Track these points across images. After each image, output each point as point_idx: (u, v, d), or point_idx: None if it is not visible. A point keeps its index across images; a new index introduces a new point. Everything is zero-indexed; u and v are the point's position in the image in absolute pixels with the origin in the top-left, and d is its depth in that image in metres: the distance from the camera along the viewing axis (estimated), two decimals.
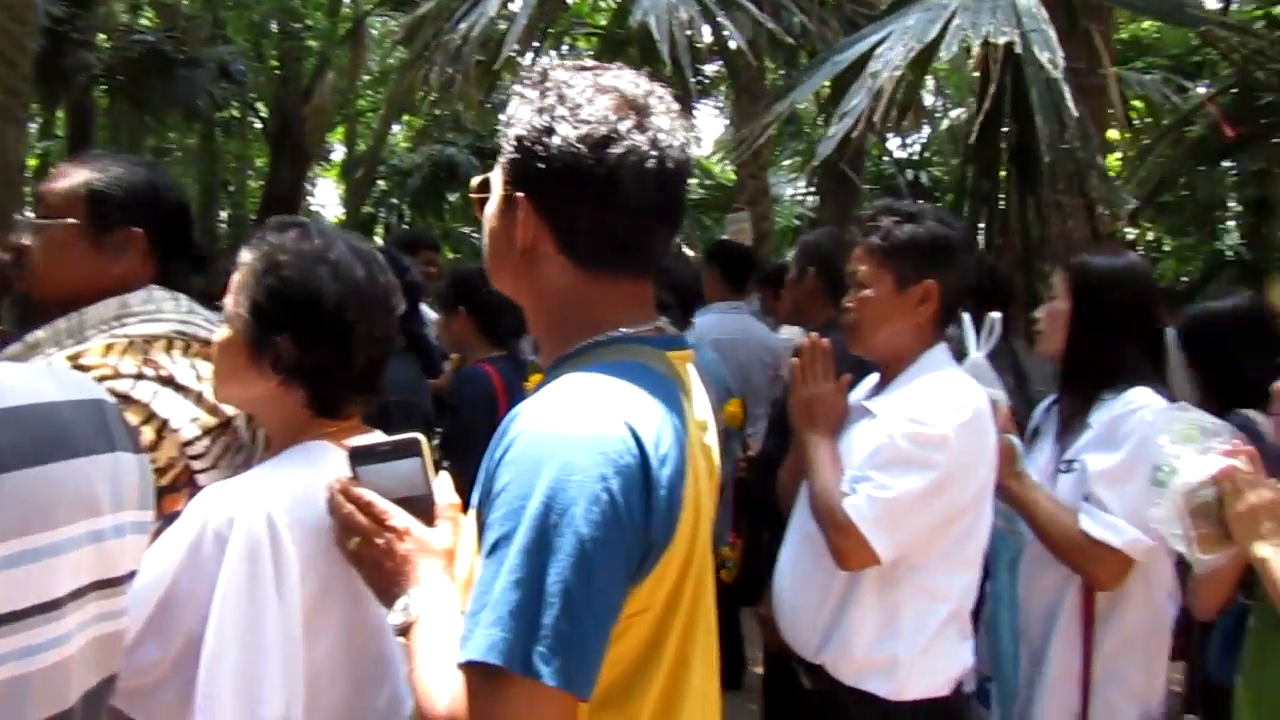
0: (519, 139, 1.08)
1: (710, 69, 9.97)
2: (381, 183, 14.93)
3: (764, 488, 2.35)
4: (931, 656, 1.79)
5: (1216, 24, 4.36)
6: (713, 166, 16.57)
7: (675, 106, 1.11)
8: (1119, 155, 7.81)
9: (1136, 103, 7.61)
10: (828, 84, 4.40)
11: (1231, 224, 10.18)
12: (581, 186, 1.05)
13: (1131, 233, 7.25)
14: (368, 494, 1.16)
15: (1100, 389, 2.03)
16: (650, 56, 4.75)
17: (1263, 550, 1.67)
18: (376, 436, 1.31)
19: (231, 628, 1.13)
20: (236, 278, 1.31)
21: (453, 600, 1.08)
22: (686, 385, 1.15)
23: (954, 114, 12.20)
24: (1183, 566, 1.96)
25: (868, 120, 3.39)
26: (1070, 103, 3.11)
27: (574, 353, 1.10)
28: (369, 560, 1.15)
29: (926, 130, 12.47)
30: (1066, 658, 2.02)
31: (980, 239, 3.91)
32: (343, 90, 13.71)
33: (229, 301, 1.31)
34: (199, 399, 1.42)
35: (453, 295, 2.91)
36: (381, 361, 1.37)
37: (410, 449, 1.19)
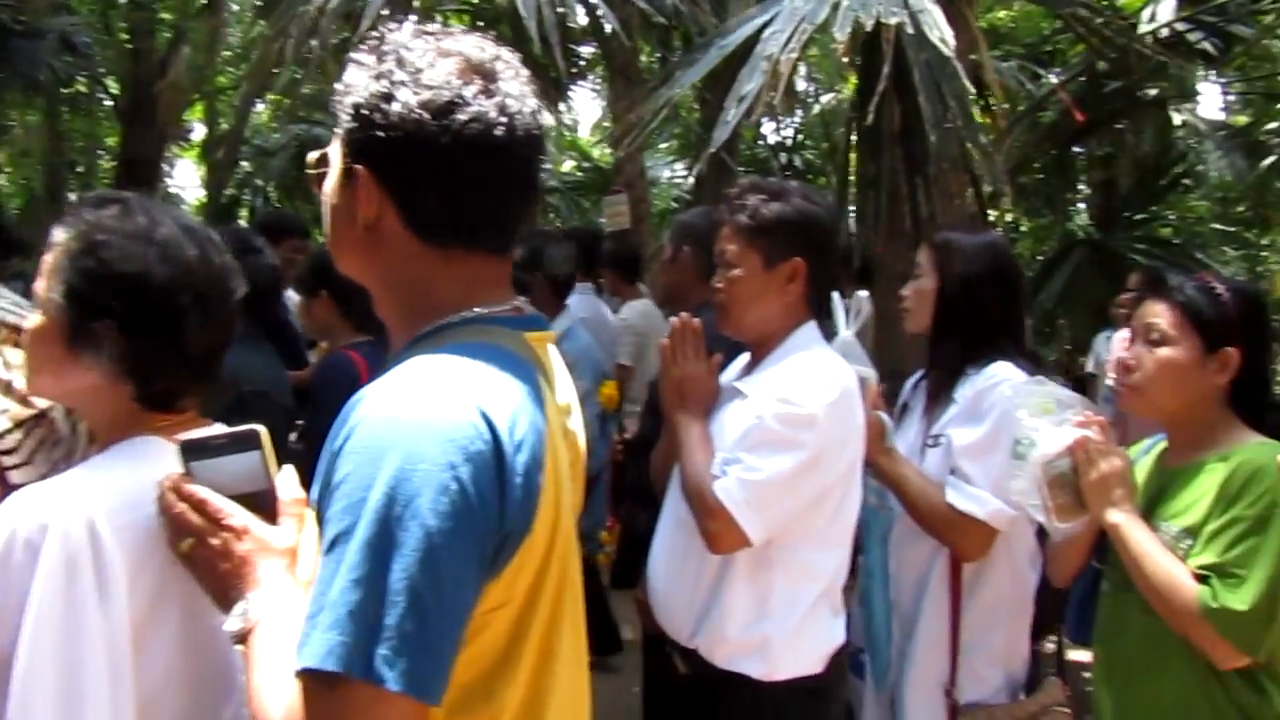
0: (356, 107, 1.00)
1: (587, 50, 9.89)
2: (245, 164, 14.28)
3: (640, 470, 2.32)
4: (804, 636, 1.80)
5: (1081, 4, 4.53)
6: (590, 149, 16.49)
7: (524, 73, 1.05)
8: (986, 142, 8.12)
9: (995, 89, 7.89)
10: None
11: (1082, 206, 10.72)
12: (425, 157, 0.98)
13: (991, 213, 7.54)
14: (201, 491, 1.07)
15: (965, 364, 2.08)
16: (523, 35, 4.65)
17: (1114, 516, 1.74)
18: (216, 429, 1.21)
19: (48, 646, 1.02)
20: (48, 259, 1.18)
21: (296, 603, 1.00)
22: (546, 368, 1.10)
23: (825, 99, 12.45)
24: (1043, 534, 2.02)
25: (765, 105, 3.38)
26: (965, 80, 3.17)
27: (423, 335, 1.04)
28: (203, 562, 1.06)
29: (799, 115, 12.69)
30: (935, 627, 2.07)
31: (865, 221, 3.98)
32: (200, 66, 13.04)
33: (40, 285, 1.18)
34: (8, 389, 1.29)
35: (313, 278, 2.77)
36: (219, 349, 1.26)
37: (248, 441, 1.10)
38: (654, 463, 2.14)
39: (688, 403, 1.93)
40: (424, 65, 0.98)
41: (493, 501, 0.90)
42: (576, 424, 1.16)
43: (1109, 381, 5.70)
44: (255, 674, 0.95)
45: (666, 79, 3.98)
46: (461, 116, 0.97)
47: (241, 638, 1.00)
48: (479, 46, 1.03)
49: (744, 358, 2.02)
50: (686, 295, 2.75)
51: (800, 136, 12.88)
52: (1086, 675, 3.22)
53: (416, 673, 0.84)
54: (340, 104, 1.03)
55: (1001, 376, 2.00)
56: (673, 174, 14.83)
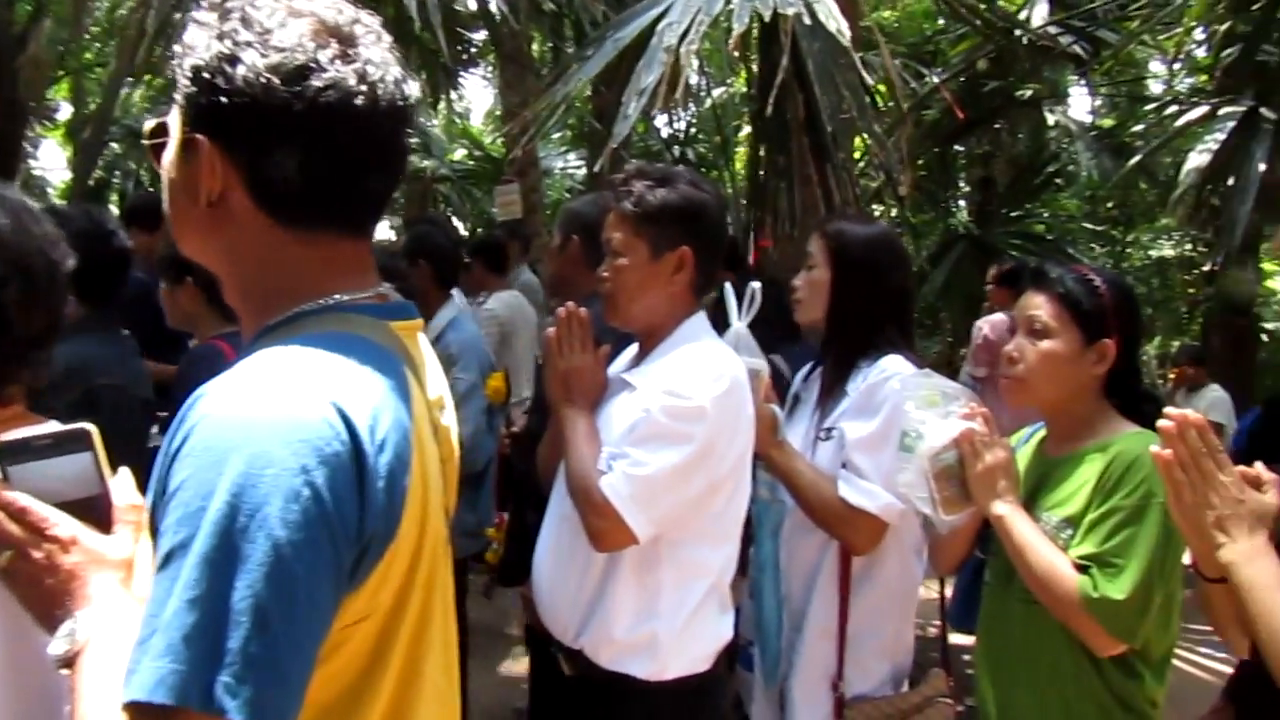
0: (196, 70, 0.90)
1: (478, 37, 9.71)
2: (115, 145, 13.55)
3: (528, 465, 2.25)
4: (692, 634, 1.76)
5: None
6: (481, 137, 16.25)
7: (387, 39, 0.97)
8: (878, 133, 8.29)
9: (880, 87, 8.08)
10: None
11: (963, 203, 11.09)
12: (275, 126, 0.89)
13: (877, 209, 7.71)
14: (21, 498, 0.95)
15: (859, 357, 2.07)
16: (408, 18, 4.49)
17: (999, 508, 1.75)
18: (48, 427, 1.08)
19: None
20: None
21: (132, 621, 0.90)
22: (414, 359, 1.02)
23: (717, 93, 12.52)
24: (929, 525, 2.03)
25: (667, 98, 3.33)
26: (861, 71, 3.18)
27: (275, 325, 0.95)
28: (25, 578, 0.93)
29: (692, 108, 12.75)
30: (824, 621, 2.06)
31: (767, 209, 3.97)
32: (64, 40, 12.29)
33: None
34: None
35: (176, 264, 2.60)
36: (46, 333, 1.14)
37: (77, 441, 0.98)
38: (540, 457, 2.08)
39: (574, 395, 1.87)
40: (273, 26, 0.89)
41: (351, 507, 0.82)
42: (449, 419, 1.09)
43: (966, 368, 5.93)
44: (81, 704, 0.85)
45: (561, 74, 3.89)
46: (316, 83, 0.89)
47: (68, 662, 0.89)
48: (335, 8, 0.94)
49: (633, 349, 1.97)
50: (575, 285, 2.68)
51: (693, 130, 12.94)
52: (967, 658, 3.31)
53: (263, 700, 0.75)
54: (178, 67, 0.92)
55: (894, 370, 2.00)
56: (566, 164, 14.73)
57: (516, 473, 2.90)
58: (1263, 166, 4.99)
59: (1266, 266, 8.89)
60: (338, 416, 0.83)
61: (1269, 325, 9.54)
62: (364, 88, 0.91)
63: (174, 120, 0.95)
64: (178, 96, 0.93)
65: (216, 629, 0.75)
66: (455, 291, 3.32)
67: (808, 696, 2.06)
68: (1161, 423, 1.31)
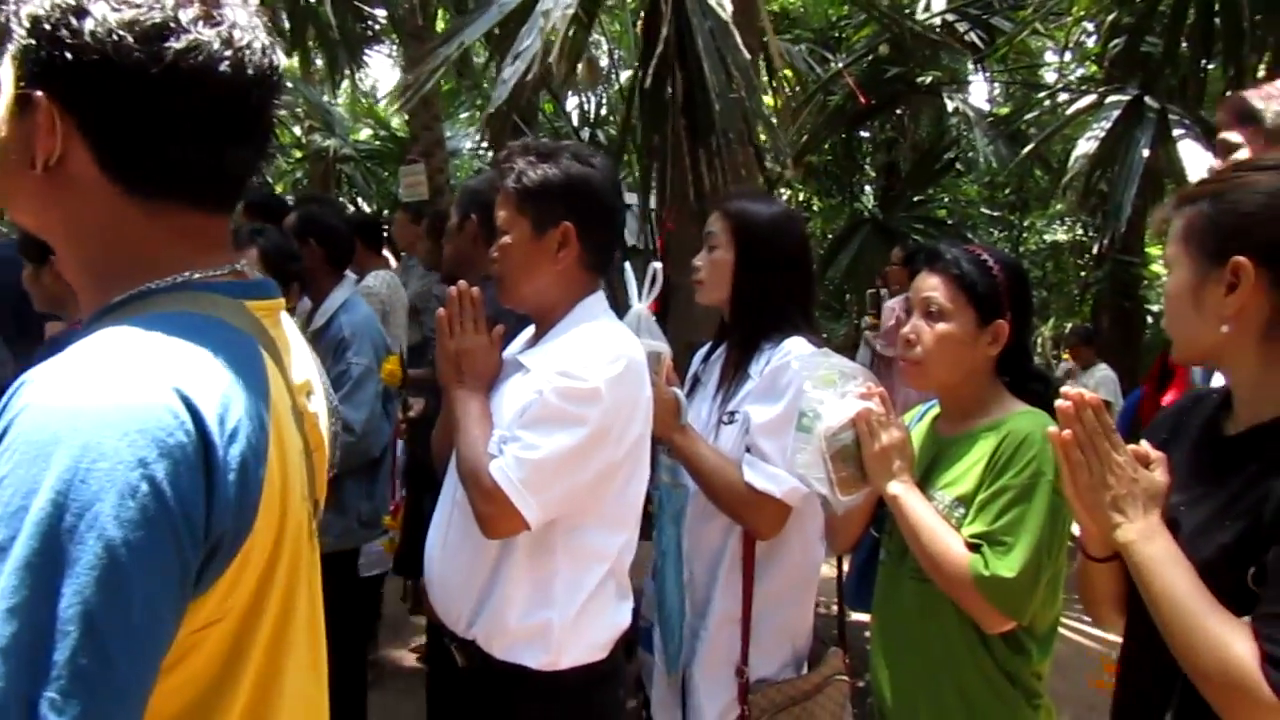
0: (35, 20, 0.82)
1: (381, 13, 9.45)
2: None
3: (424, 451, 2.18)
4: (587, 622, 1.72)
5: None
6: (386, 117, 15.87)
7: (253, 2, 0.90)
8: (773, 119, 8.34)
9: (786, 71, 8.14)
10: (498, 29, 4.22)
11: (868, 188, 11.28)
12: (127, 88, 0.82)
13: (784, 192, 7.78)
14: None
15: (762, 339, 2.05)
16: None
17: (894, 488, 1.75)
18: None
19: None
20: None
21: None
22: (274, 342, 0.95)
23: (625, 75, 12.47)
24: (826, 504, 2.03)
25: (542, 62, 3.24)
26: (740, 45, 3.15)
27: (117, 304, 0.87)
28: None
29: (603, 91, 12.65)
30: (728, 606, 2.05)
31: (651, 191, 3.93)
32: None
33: None
34: None
35: (38, 242, 2.44)
36: None
37: None
38: (434, 442, 2.01)
39: (466, 377, 1.81)
40: None
41: (197, 503, 0.76)
42: (318, 405, 1.02)
43: (878, 345, 6.10)
44: None
45: (448, 38, 3.79)
46: (176, 44, 0.82)
47: None
48: None
49: (530, 330, 1.92)
50: (472, 265, 2.62)
51: (604, 111, 12.87)
52: (866, 634, 3.36)
53: (95, 714, 0.69)
54: (13, 14, 0.84)
55: (797, 352, 1.98)
56: (474, 145, 14.48)
57: (414, 459, 2.82)
58: (1146, 152, 5.16)
59: (1151, 250, 9.27)
60: (181, 404, 0.76)
61: (1154, 307, 9.96)
62: (229, 53, 0.85)
63: (4, 73, 0.86)
64: (10, 46, 0.85)
65: (40, 641, 0.68)
66: (348, 273, 3.20)
67: (711, 682, 2.05)
68: (1059, 403, 1.31)
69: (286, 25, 7.28)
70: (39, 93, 0.83)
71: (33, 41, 0.82)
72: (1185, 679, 1.18)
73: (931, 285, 1.81)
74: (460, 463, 1.71)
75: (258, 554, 0.83)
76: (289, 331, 1.01)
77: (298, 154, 14.11)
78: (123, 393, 0.74)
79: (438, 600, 1.80)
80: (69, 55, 0.81)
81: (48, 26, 0.82)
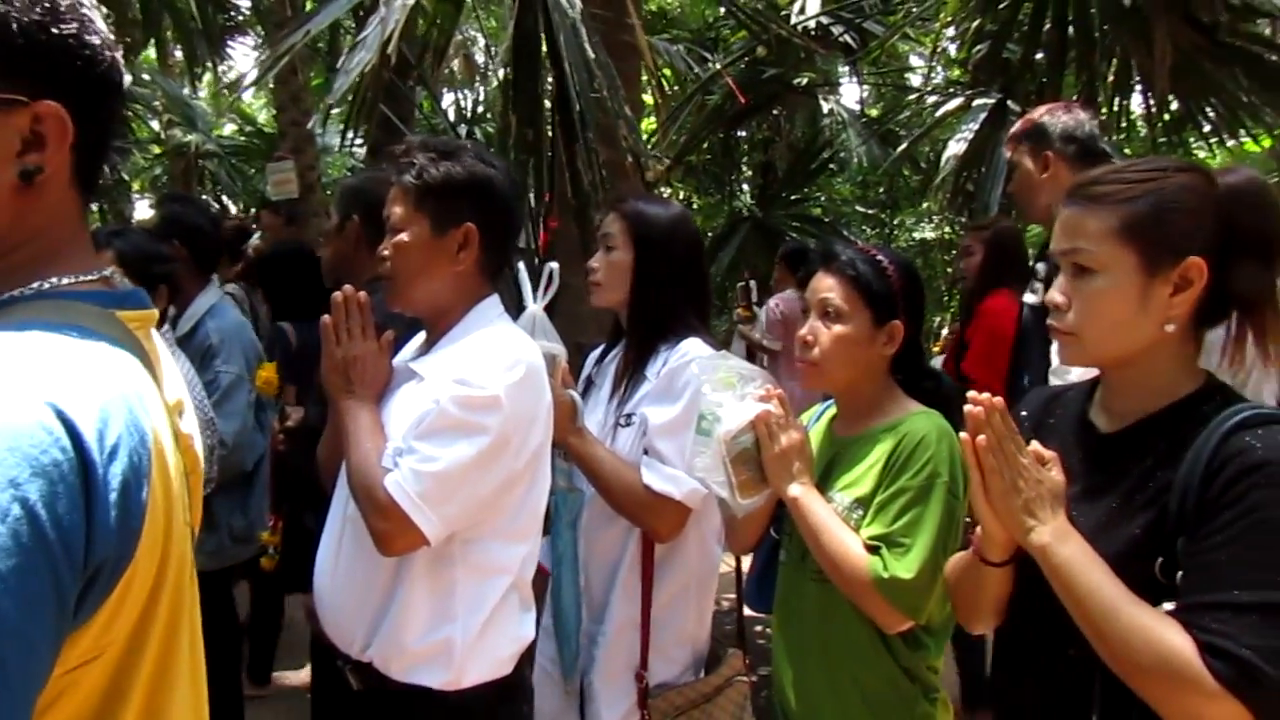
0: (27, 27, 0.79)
1: (245, 3, 9.07)
2: None
3: (305, 463, 2.06)
4: (491, 637, 1.65)
5: None
6: (252, 112, 15.27)
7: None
8: (653, 119, 8.38)
9: (666, 70, 8.17)
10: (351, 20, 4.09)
11: (746, 186, 11.45)
12: (104, 91, 0.84)
13: (665, 191, 7.81)
14: None
15: (659, 341, 2.03)
16: None
17: (794, 490, 1.75)
18: None
19: None
20: None
21: None
22: (149, 356, 0.87)
23: (502, 73, 12.33)
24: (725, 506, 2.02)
25: (381, 53, 3.12)
26: (588, 46, 3.12)
27: None
28: None
29: (480, 88, 12.49)
30: (628, 611, 2.02)
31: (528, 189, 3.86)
32: None
33: None
34: None
35: None
36: None
37: None
38: (320, 455, 1.91)
39: (355, 386, 1.72)
40: None
41: (75, 527, 0.68)
42: (190, 425, 0.93)
43: (755, 336, 6.24)
44: None
45: (299, 25, 3.63)
46: (94, 39, 0.83)
47: None
48: None
49: (420, 337, 1.84)
50: (355, 269, 2.50)
51: (481, 109, 12.68)
52: (759, 629, 3.39)
53: None
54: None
55: (694, 354, 1.97)
56: (346, 143, 14.04)
57: (292, 472, 2.68)
58: (1009, 153, 5.38)
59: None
60: (56, 420, 0.69)
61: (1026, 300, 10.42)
62: (108, 53, 0.85)
63: None
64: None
65: None
66: (214, 277, 3.03)
67: (611, 689, 2.02)
68: (970, 409, 1.30)
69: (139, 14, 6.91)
70: (49, 101, 0.80)
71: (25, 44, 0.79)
72: (1105, 673, 1.20)
73: (828, 286, 1.81)
74: (352, 477, 1.62)
75: (139, 584, 0.76)
76: (160, 346, 0.92)
77: (156, 149, 13.43)
78: None
79: (329, 622, 1.71)
80: (76, 62, 0.82)
81: (42, 36, 0.79)
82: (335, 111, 13.76)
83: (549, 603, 2.10)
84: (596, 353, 2.25)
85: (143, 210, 14.00)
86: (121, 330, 0.85)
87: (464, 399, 1.58)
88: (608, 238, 2.08)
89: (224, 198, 13.41)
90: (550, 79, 3.47)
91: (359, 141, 5.45)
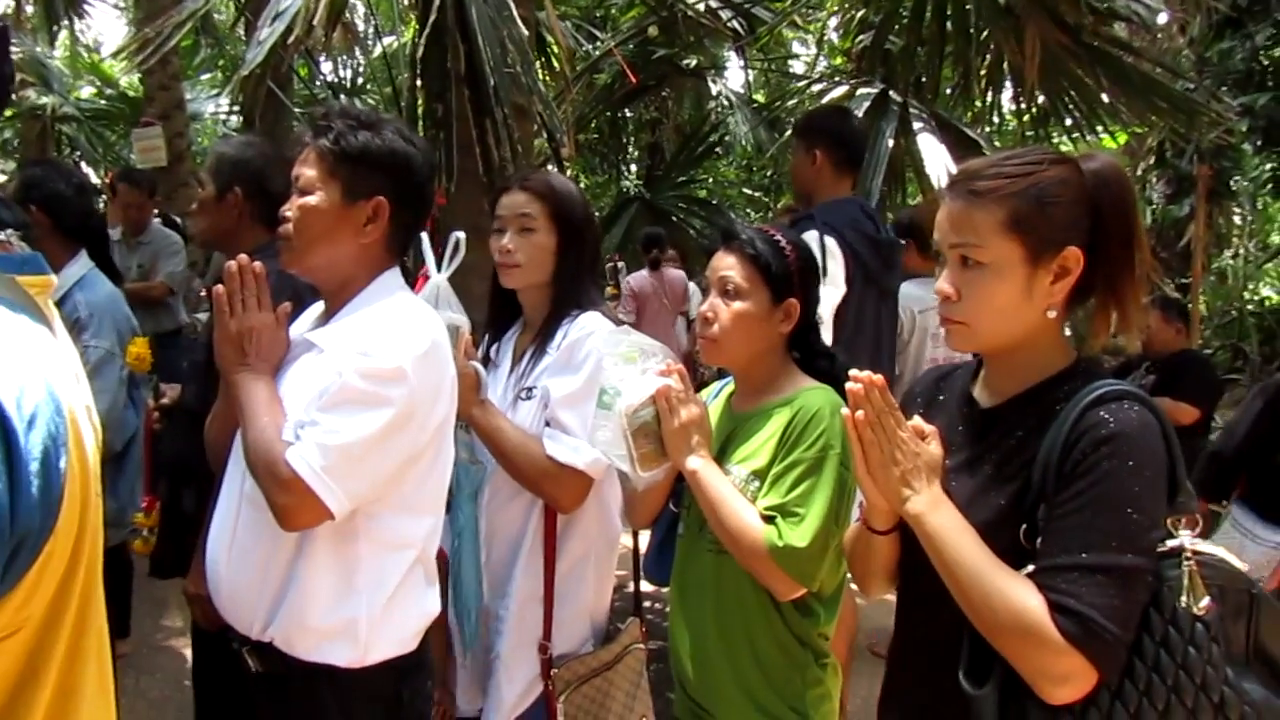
0: None
1: None
2: None
3: (180, 442, 1.98)
4: (396, 612, 1.64)
5: None
6: (114, 75, 14.43)
7: None
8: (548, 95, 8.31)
9: (554, 46, 8.11)
10: None
11: (633, 167, 11.51)
12: None
13: (551, 169, 7.75)
14: None
15: (561, 316, 2.03)
16: None
17: (693, 463, 1.79)
18: None
19: None
20: None
21: None
22: (51, 323, 0.84)
23: (387, 40, 11.99)
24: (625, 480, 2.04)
25: (305, 24, 3.02)
26: (520, 24, 3.08)
27: None
28: None
29: (360, 58, 12.13)
30: (530, 583, 2.02)
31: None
32: None
33: None
34: None
35: None
36: None
37: None
38: (208, 434, 1.84)
39: (249, 358, 1.66)
40: None
41: None
42: (86, 395, 0.89)
43: (619, 315, 6.48)
44: None
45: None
46: None
47: None
48: None
49: (316, 309, 1.79)
50: (236, 239, 2.40)
51: (361, 80, 12.32)
52: (653, 604, 3.44)
53: None
54: None
55: (593, 327, 1.99)
56: (217, 109, 13.43)
57: (166, 450, 2.56)
58: (890, 142, 5.55)
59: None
60: None
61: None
62: None
63: None
64: None
65: None
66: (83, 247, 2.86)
67: (514, 662, 2.02)
68: (850, 385, 1.37)
69: None
70: None
71: None
72: (972, 631, 1.27)
73: (728, 265, 1.84)
74: (250, 452, 1.57)
75: (58, 555, 0.74)
76: (56, 315, 0.88)
77: (8, 112, 12.55)
78: None
79: (226, 603, 1.66)
80: None
81: None
82: (205, 78, 13.15)
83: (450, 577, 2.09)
84: (494, 329, 2.23)
85: None
86: (22, 295, 0.82)
87: (368, 371, 1.56)
88: (526, 219, 2.05)
89: (84, 165, 12.65)
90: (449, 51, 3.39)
91: (233, 109, 5.23)
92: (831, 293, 2.88)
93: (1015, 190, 1.31)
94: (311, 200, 1.66)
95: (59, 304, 2.70)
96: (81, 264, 2.83)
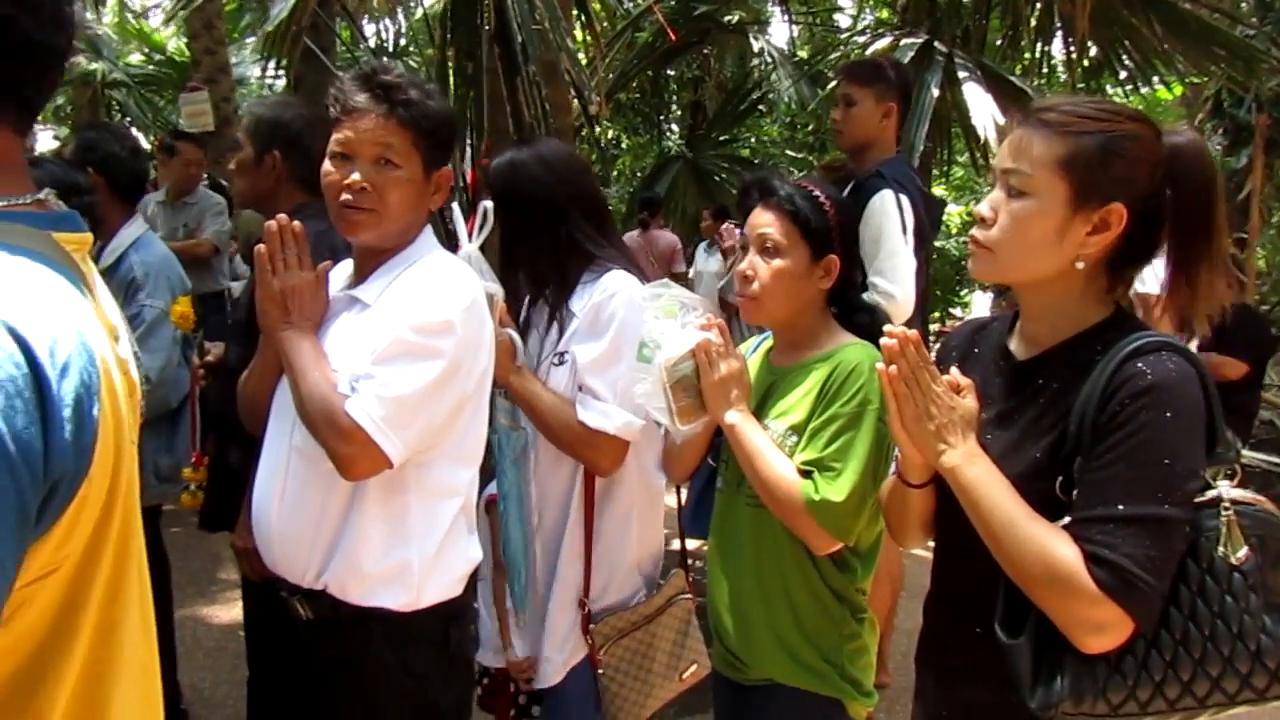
0: None
1: None
2: None
3: (227, 399, 2.03)
4: (445, 558, 1.69)
5: None
6: (160, 40, 14.58)
7: None
8: (583, 55, 8.25)
9: (596, 5, 8.04)
10: None
11: (675, 126, 11.41)
12: None
13: (597, 129, 7.73)
14: None
15: (574, 280, 2.03)
16: None
17: (731, 417, 1.80)
18: None
19: None
20: None
21: None
22: (87, 279, 0.86)
23: (428, 2, 11.96)
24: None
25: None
26: None
27: None
28: None
29: (402, 21, 12.09)
30: (576, 542, 2.05)
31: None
32: None
33: None
34: None
35: None
36: None
37: None
38: (244, 390, 1.88)
39: (293, 317, 1.69)
40: None
41: (33, 440, 0.69)
42: (125, 350, 0.93)
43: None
44: None
45: None
46: None
47: None
48: None
49: (346, 265, 1.82)
50: (274, 201, 2.42)
51: (404, 42, 12.31)
52: (698, 564, 3.46)
53: None
54: None
55: (616, 287, 1.98)
56: (263, 73, 13.52)
57: (213, 408, 2.62)
58: (936, 94, 5.44)
59: (938, 190, 9.86)
60: (9, 336, 0.69)
61: (937, 243, 10.65)
62: None
63: None
64: None
65: None
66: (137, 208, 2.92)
67: (560, 619, 2.06)
68: (884, 341, 1.37)
69: None
70: None
71: None
72: (1007, 582, 1.27)
73: (767, 221, 1.83)
74: (305, 405, 1.61)
75: (93, 499, 0.77)
76: (95, 271, 0.91)
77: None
78: None
79: (277, 553, 1.71)
80: None
81: None
82: (251, 41, 13.23)
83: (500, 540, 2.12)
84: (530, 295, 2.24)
85: (46, 142, 13.36)
86: (59, 252, 0.84)
87: (419, 325, 1.60)
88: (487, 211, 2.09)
89: (134, 129, 12.85)
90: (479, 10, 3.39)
91: (278, 73, 5.27)
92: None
93: (1083, 130, 1.28)
94: (401, 174, 1.68)
95: (116, 264, 2.77)
96: (137, 225, 2.89)
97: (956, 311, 15.06)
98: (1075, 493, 1.25)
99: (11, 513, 0.68)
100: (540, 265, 2.04)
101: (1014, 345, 1.43)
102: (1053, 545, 1.22)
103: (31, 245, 0.80)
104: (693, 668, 2.13)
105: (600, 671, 2.04)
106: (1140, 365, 1.23)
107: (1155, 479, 1.19)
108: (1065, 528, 1.23)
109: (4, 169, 0.83)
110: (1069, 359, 1.33)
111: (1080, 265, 1.31)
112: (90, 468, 0.76)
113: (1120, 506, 1.19)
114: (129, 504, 0.84)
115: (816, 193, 1.85)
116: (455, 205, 2.06)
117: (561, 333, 2.02)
